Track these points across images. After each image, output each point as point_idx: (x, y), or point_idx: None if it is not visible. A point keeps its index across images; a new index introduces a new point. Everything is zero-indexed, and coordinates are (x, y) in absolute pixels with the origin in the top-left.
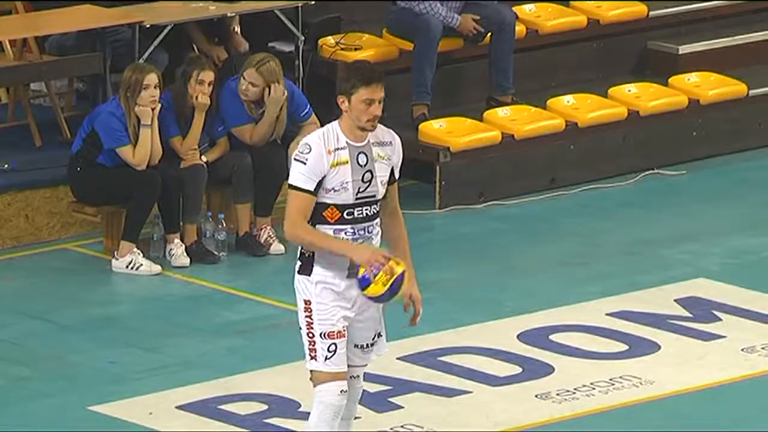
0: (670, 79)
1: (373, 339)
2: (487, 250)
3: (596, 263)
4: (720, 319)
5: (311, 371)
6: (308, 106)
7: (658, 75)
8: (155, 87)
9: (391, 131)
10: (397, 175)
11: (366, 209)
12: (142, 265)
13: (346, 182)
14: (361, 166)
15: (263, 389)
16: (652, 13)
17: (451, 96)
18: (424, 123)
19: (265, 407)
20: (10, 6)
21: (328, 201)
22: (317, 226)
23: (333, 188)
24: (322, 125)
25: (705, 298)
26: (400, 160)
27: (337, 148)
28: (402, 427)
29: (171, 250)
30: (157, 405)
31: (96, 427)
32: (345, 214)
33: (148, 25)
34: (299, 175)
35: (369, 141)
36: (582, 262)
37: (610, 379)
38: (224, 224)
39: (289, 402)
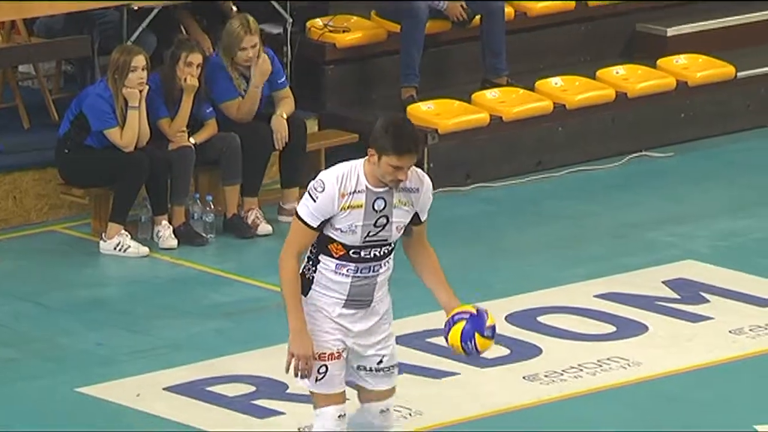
0: (658, 61)
1: (380, 362)
2: (474, 232)
3: (584, 246)
4: (708, 301)
5: (311, 393)
6: (284, 75)
7: (646, 57)
8: (143, 69)
9: (424, 177)
10: (423, 217)
11: (375, 251)
12: (129, 246)
13: (356, 225)
14: (376, 211)
15: (251, 371)
16: None
17: (440, 78)
18: (412, 105)
19: (252, 389)
20: None
21: (334, 237)
22: (321, 256)
23: (341, 228)
24: (297, 100)
25: (693, 280)
26: (429, 202)
27: (354, 192)
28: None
29: (159, 232)
30: (144, 387)
31: (84, 409)
32: (350, 253)
33: (135, 8)
34: (306, 209)
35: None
36: (569, 245)
37: (598, 361)
38: (212, 206)
39: (276, 383)
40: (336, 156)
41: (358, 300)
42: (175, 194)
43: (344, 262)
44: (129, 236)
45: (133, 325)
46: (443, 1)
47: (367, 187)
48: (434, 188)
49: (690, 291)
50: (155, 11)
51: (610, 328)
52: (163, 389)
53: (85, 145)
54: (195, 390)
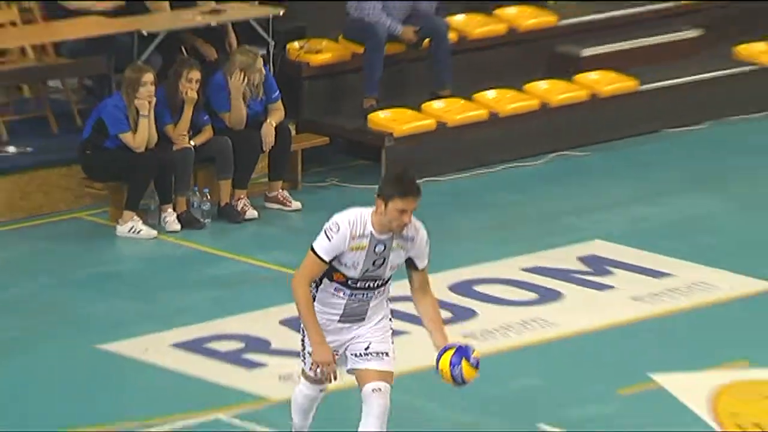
0: (574, 77)
1: (367, 348)
2: (423, 218)
3: (514, 229)
4: (614, 274)
5: (302, 372)
6: (278, 90)
7: (564, 73)
8: (151, 84)
9: (421, 228)
10: (420, 266)
11: (369, 283)
12: (141, 230)
13: (358, 263)
14: (376, 253)
15: (240, 331)
16: (560, 22)
17: (395, 91)
18: (373, 113)
19: (242, 345)
20: (31, 17)
21: (338, 268)
22: (325, 279)
23: (345, 263)
24: (285, 109)
25: (602, 257)
26: (425, 250)
27: (361, 236)
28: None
29: (165, 218)
30: (152, 344)
31: (101, 362)
32: (348, 282)
33: (145, 33)
34: (322, 247)
35: (393, 234)
36: (502, 228)
37: (523, 322)
38: (208, 196)
39: (261, 341)
40: (311, 154)
41: (352, 316)
42: (178, 187)
43: (342, 287)
44: (140, 221)
45: (144, 294)
46: (399, 26)
47: (371, 234)
48: None
49: (599, 265)
50: (161, 36)
51: (533, 296)
52: (169, 346)
53: (104, 146)
54: (194, 346)
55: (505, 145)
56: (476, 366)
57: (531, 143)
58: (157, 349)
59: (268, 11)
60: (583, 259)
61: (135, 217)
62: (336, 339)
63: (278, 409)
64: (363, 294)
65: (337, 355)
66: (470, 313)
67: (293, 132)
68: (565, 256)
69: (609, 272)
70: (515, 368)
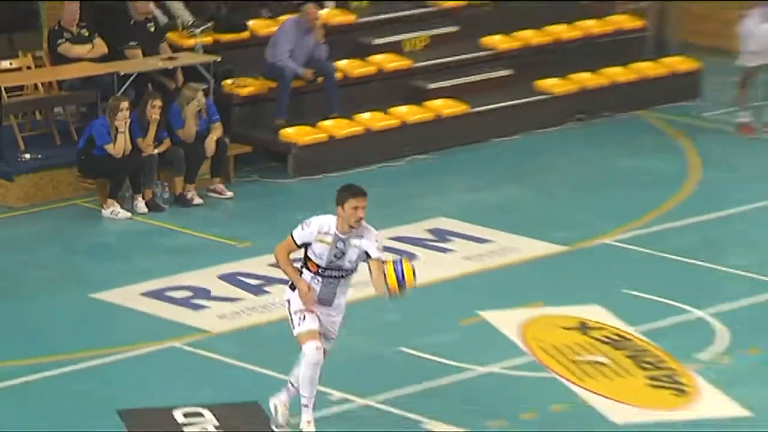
0: (424, 103)
1: (328, 338)
2: (320, 205)
3: (383, 210)
4: (452, 241)
5: (296, 336)
6: (217, 114)
7: (417, 100)
8: (127, 109)
9: (370, 228)
10: (372, 255)
11: (335, 272)
12: (119, 213)
13: (323, 254)
14: (337, 248)
15: (190, 283)
16: (414, 64)
17: (299, 114)
18: (282, 129)
19: (191, 293)
20: (41, 63)
21: (311, 257)
22: (304, 269)
23: (314, 253)
24: (223, 127)
25: (444, 229)
26: (374, 243)
27: (326, 233)
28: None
29: (136, 204)
30: (128, 293)
31: (91, 307)
32: (320, 270)
33: (122, 73)
34: (297, 234)
35: (350, 235)
36: (378, 210)
37: None
38: (167, 189)
39: (204, 290)
40: (240, 158)
41: (324, 299)
42: (146, 182)
43: (316, 276)
44: (119, 206)
45: (122, 258)
46: (301, 69)
47: (335, 233)
48: (297, 177)
49: (442, 235)
50: (134, 76)
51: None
52: (139, 294)
53: (93, 154)
54: (157, 295)
55: (376, 151)
56: (413, 268)
57: (394, 150)
58: (131, 297)
59: (209, 58)
60: (430, 231)
61: (115, 203)
62: (312, 308)
63: (217, 338)
64: (331, 280)
65: (312, 313)
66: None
67: (228, 143)
68: (418, 229)
69: (449, 240)
70: (382, 309)
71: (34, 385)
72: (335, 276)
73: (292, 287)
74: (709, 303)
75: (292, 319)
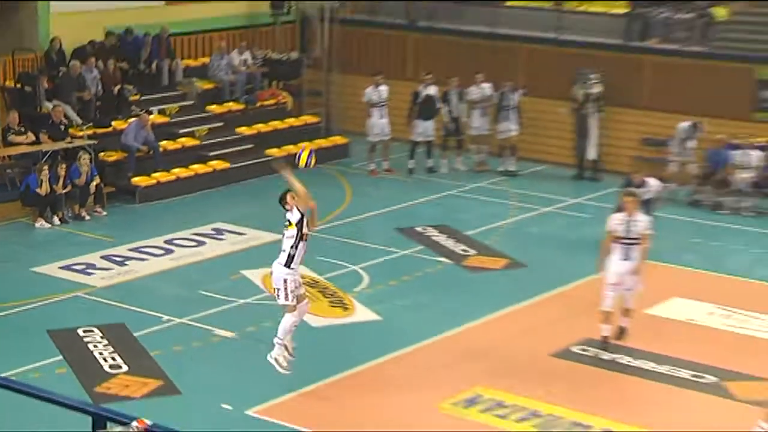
0: (208, 162)
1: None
2: (155, 219)
3: (189, 216)
4: (225, 234)
5: (284, 306)
6: (96, 171)
7: (204, 161)
8: (47, 170)
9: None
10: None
11: (307, 237)
12: (45, 225)
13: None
14: (299, 224)
15: (85, 261)
16: (201, 143)
17: (141, 169)
18: (132, 178)
19: (86, 266)
20: None
21: (305, 230)
22: (300, 242)
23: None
24: (100, 178)
25: (221, 228)
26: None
27: (295, 213)
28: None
29: (54, 220)
30: (50, 269)
31: (32, 277)
32: (304, 237)
33: (44, 150)
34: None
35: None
36: (187, 216)
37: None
38: (71, 211)
39: (93, 264)
40: (110, 195)
41: (302, 259)
42: (59, 207)
43: (303, 241)
44: (44, 221)
45: (47, 249)
46: (139, 146)
47: (300, 212)
48: (140, 204)
49: (221, 231)
50: (50, 152)
51: (195, 243)
52: (57, 266)
53: (30, 193)
54: (67, 267)
55: (182, 190)
56: (304, 152)
57: (194, 187)
58: (53, 269)
59: (91, 141)
60: (215, 229)
61: (42, 220)
62: (300, 282)
63: (101, 290)
64: (307, 243)
65: (298, 292)
66: (170, 251)
67: (102, 186)
68: (207, 228)
69: (223, 234)
70: (206, 275)
71: None
72: (306, 240)
73: (287, 265)
74: (358, 262)
75: (286, 293)
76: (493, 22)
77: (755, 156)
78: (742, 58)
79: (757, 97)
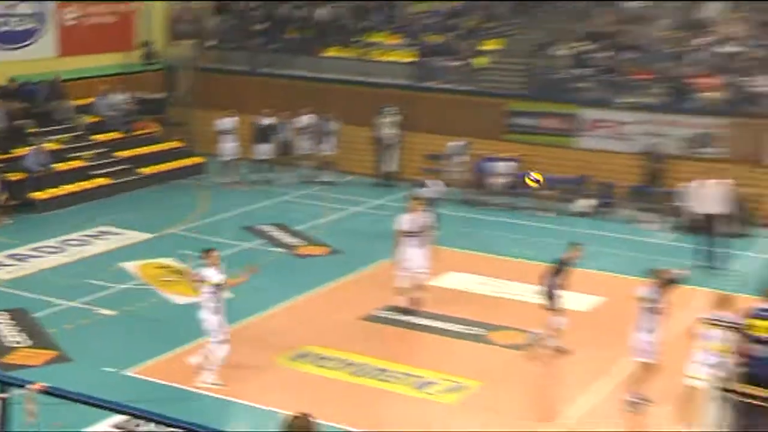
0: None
1: None
2: (50, 225)
3: (89, 219)
4: (109, 235)
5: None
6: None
7: (87, 179)
8: None
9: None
10: None
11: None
12: None
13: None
14: None
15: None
16: (87, 164)
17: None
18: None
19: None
20: None
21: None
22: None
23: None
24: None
25: (109, 231)
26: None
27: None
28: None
29: None
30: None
31: None
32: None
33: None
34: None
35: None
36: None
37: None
38: None
39: (14, 256)
40: (18, 207)
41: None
42: None
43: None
44: None
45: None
46: (38, 168)
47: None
48: (41, 213)
49: (111, 233)
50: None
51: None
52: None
53: None
54: (16, 257)
55: (83, 199)
56: None
57: (85, 198)
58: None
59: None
60: (99, 231)
61: None
62: None
63: (8, 283)
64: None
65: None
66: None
67: (11, 201)
68: (95, 230)
69: (110, 234)
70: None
71: None
72: None
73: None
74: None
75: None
76: (316, 68)
77: (505, 166)
78: (497, 95)
79: (507, 123)
